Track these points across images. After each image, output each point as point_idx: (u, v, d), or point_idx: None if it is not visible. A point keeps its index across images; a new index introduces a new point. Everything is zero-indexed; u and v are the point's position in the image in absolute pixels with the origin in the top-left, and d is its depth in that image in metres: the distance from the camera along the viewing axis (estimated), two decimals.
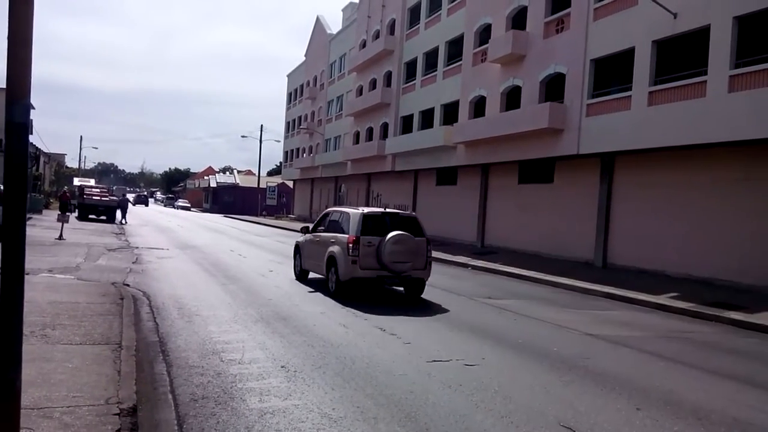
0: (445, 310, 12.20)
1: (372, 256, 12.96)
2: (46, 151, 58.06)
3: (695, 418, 6.24)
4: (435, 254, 24.68)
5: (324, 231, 14.81)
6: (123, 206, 40.02)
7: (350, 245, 12.94)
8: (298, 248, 16.38)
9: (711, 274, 17.49)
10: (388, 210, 14.35)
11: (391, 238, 12.88)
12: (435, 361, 7.98)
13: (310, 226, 16.43)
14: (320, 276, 14.84)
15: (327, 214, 15.42)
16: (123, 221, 38.49)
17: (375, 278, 13.18)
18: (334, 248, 13.53)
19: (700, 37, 17.38)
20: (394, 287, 14.67)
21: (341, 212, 14.52)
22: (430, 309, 12.26)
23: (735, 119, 15.92)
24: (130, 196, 57.39)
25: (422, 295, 13.90)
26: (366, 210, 13.84)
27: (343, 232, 13.53)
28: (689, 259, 18.38)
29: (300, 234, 16.77)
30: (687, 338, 10.91)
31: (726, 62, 16.37)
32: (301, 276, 16.00)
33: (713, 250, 17.68)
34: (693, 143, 17.46)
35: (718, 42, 16.65)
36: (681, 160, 18.93)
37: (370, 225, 13.25)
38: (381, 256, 12.91)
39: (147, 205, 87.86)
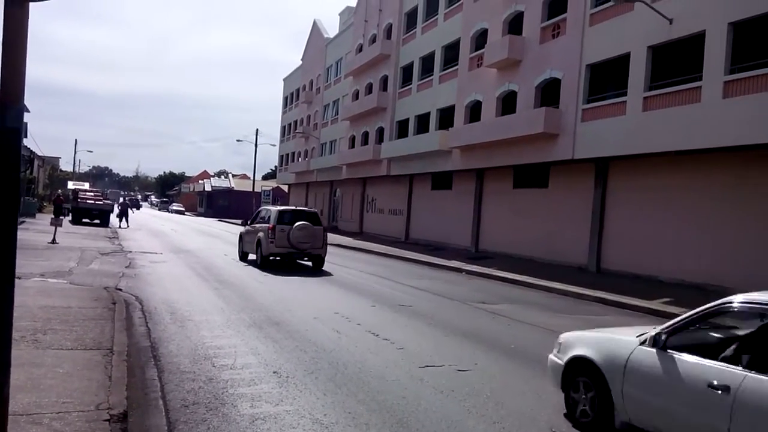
0: (438, 315, 12.20)
1: (284, 238, 18.67)
2: (40, 154, 57.85)
3: None
4: (429, 259, 24.81)
5: (257, 223, 20.46)
6: (124, 211, 40.27)
7: (269, 231, 18.75)
8: (240, 236, 22.23)
9: (704, 280, 17.52)
10: (297, 208, 21.00)
11: (297, 226, 18.76)
12: (427, 366, 7.97)
13: (249, 221, 22.15)
14: (254, 256, 20.22)
15: (259, 212, 21.34)
16: (122, 225, 38.70)
17: (286, 253, 19.02)
18: (260, 234, 19.37)
19: (695, 43, 17.44)
20: (303, 261, 20.16)
21: (267, 209, 20.72)
22: (422, 314, 12.25)
23: (729, 125, 15.97)
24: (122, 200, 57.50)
25: (418, 304, 13.92)
26: (282, 207, 20.40)
27: (267, 223, 19.21)
28: (682, 264, 18.41)
29: (242, 226, 22.73)
30: None
31: (721, 68, 16.44)
32: (242, 257, 21.39)
33: (706, 256, 17.72)
34: (687, 149, 17.53)
35: (713, 48, 16.72)
36: (675, 166, 18.99)
37: (283, 217, 19.17)
38: (290, 239, 18.63)
39: (138, 208, 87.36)
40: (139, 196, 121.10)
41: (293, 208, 20.71)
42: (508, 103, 26.64)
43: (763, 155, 16.28)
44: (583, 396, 6.01)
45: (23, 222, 30.89)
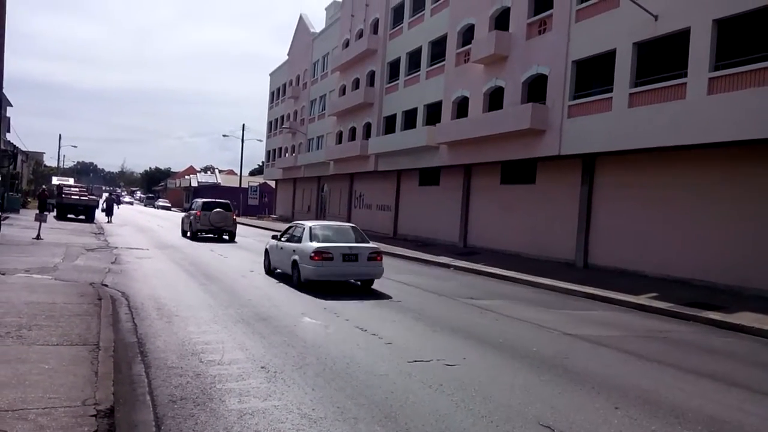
0: (426, 310, 12.22)
1: (206, 220, 28.07)
2: (24, 149, 57.28)
3: (673, 417, 6.31)
4: (417, 255, 24.90)
5: (191, 210, 29.85)
6: (110, 206, 40.33)
7: (197, 215, 28.22)
8: (182, 220, 31.08)
9: (689, 275, 17.68)
10: (216, 200, 30.36)
11: (213, 211, 28.21)
12: (416, 361, 7.98)
13: (187, 209, 32.73)
14: (189, 233, 29.34)
15: (192, 202, 31.14)
16: (108, 220, 38.91)
17: (207, 229, 28.38)
18: (191, 217, 28.87)
19: (680, 40, 17.54)
20: (224, 237, 29.11)
21: (196, 201, 30.51)
22: (410, 310, 12.27)
23: (714, 121, 16.08)
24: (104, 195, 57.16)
25: (407, 300, 13.94)
26: (205, 199, 30.53)
27: (196, 210, 28.66)
28: (668, 259, 18.56)
29: (183, 213, 34.39)
30: (665, 338, 11.02)
31: (705, 65, 16.54)
32: (183, 234, 30.17)
33: (692, 251, 17.88)
34: (673, 145, 17.63)
35: (698, 45, 16.82)
36: (661, 162, 19.12)
37: (206, 206, 28.63)
38: (209, 220, 28.04)
39: (119, 204, 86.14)
40: (123, 192, 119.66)
41: (213, 200, 30.55)
42: (495, 99, 26.68)
43: (748, 151, 16.44)
44: (266, 260, 17.08)
45: (7, 218, 30.57)
